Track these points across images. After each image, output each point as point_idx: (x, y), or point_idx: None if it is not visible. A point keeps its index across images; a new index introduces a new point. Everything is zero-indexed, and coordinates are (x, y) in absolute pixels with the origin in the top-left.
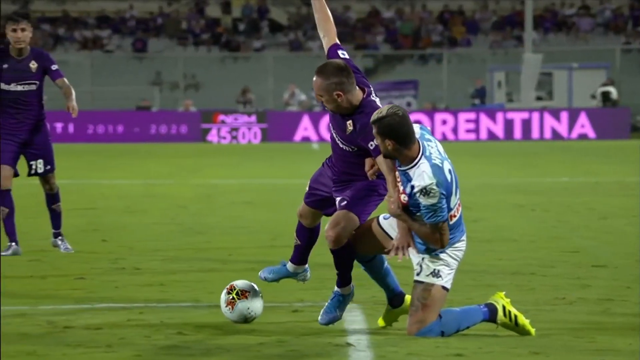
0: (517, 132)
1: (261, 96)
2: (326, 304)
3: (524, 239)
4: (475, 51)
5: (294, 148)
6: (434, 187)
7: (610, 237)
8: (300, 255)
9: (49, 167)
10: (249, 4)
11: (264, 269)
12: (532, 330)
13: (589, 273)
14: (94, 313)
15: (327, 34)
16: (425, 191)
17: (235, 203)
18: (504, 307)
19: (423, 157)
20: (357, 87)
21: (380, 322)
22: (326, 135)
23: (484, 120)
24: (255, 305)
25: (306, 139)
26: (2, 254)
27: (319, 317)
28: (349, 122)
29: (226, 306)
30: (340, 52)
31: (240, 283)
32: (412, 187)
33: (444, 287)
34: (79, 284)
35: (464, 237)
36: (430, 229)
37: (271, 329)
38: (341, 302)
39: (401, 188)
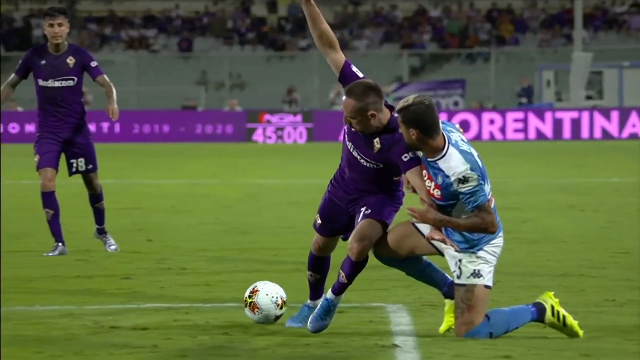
0: (567, 132)
1: (307, 96)
2: (316, 310)
3: (574, 240)
4: (523, 50)
5: (340, 148)
6: (469, 171)
7: None
8: (319, 289)
9: (90, 166)
10: (294, 3)
11: (289, 321)
12: (580, 332)
13: (639, 275)
14: (140, 313)
15: (334, 50)
16: (463, 179)
17: (280, 203)
18: (552, 307)
19: (450, 145)
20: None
21: (445, 325)
22: None
23: (533, 120)
24: (272, 289)
25: None
26: (49, 254)
27: (308, 324)
28: (376, 140)
29: (255, 313)
30: (354, 69)
31: (246, 291)
32: (446, 176)
33: (486, 286)
34: (125, 283)
35: (500, 233)
36: (477, 215)
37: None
38: (332, 310)
39: (431, 184)
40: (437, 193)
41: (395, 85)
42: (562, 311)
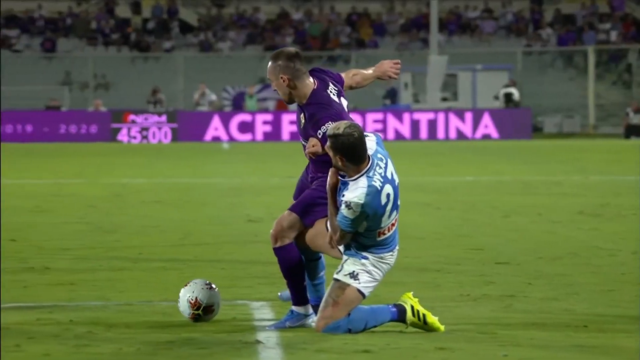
0: (423, 132)
1: (171, 96)
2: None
3: (430, 236)
4: (382, 52)
5: (204, 148)
6: (360, 208)
7: (513, 234)
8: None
9: None
10: (158, 4)
11: (284, 291)
12: (441, 327)
13: (492, 270)
14: (3, 313)
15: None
16: (348, 205)
17: (145, 202)
18: (412, 307)
19: (366, 175)
20: (310, 77)
21: None
22: (236, 135)
23: (391, 121)
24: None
25: (216, 139)
26: None
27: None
28: (302, 114)
29: (189, 316)
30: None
31: (203, 297)
32: (342, 196)
33: (359, 291)
34: None
35: (392, 253)
36: (337, 226)
37: (181, 327)
38: (293, 317)
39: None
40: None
41: (259, 86)
42: (422, 310)
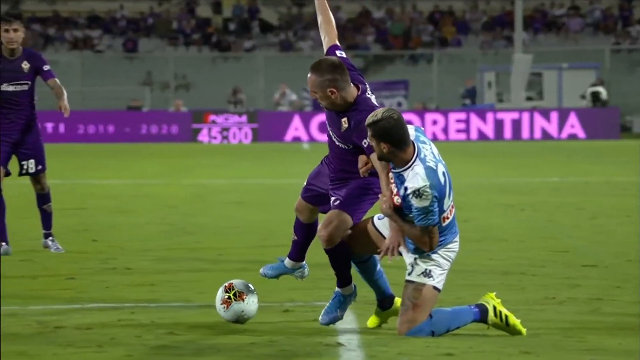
0: (507, 132)
1: (252, 96)
2: (327, 304)
3: (514, 238)
4: (465, 51)
5: (285, 148)
6: (427, 189)
7: (600, 236)
8: (298, 251)
9: (40, 167)
10: (239, 4)
11: (264, 266)
12: (523, 330)
13: (578, 273)
14: (85, 313)
15: (328, 35)
16: (418, 193)
17: (226, 203)
18: (494, 308)
19: (417, 159)
20: (351, 84)
21: (370, 323)
22: (316, 136)
23: (474, 121)
24: (250, 309)
25: (297, 139)
26: None
27: (320, 317)
28: (344, 119)
29: (221, 304)
30: (338, 52)
31: (238, 283)
32: (406, 188)
33: (435, 288)
34: (70, 284)
35: (456, 238)
36: (420, 231)
37: (262, 328)
38: (342, 302)
39: (395, 190)
40: (397, 200)
41: None
42: (505, 311)
